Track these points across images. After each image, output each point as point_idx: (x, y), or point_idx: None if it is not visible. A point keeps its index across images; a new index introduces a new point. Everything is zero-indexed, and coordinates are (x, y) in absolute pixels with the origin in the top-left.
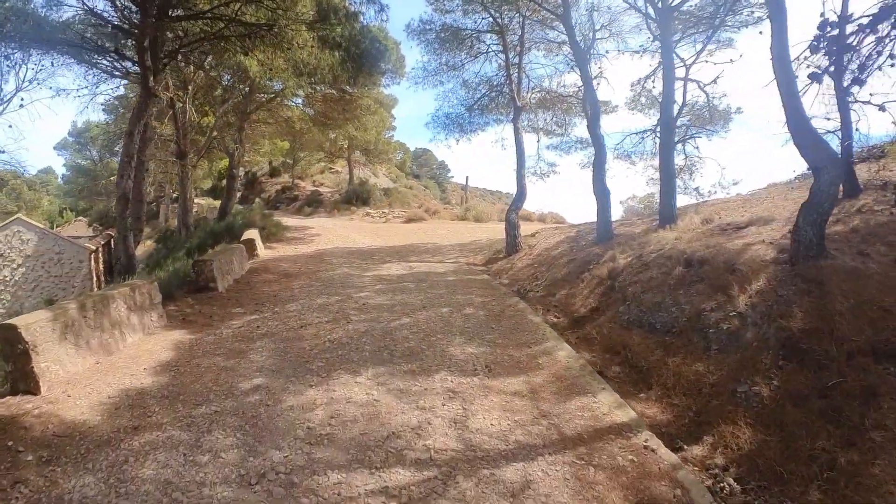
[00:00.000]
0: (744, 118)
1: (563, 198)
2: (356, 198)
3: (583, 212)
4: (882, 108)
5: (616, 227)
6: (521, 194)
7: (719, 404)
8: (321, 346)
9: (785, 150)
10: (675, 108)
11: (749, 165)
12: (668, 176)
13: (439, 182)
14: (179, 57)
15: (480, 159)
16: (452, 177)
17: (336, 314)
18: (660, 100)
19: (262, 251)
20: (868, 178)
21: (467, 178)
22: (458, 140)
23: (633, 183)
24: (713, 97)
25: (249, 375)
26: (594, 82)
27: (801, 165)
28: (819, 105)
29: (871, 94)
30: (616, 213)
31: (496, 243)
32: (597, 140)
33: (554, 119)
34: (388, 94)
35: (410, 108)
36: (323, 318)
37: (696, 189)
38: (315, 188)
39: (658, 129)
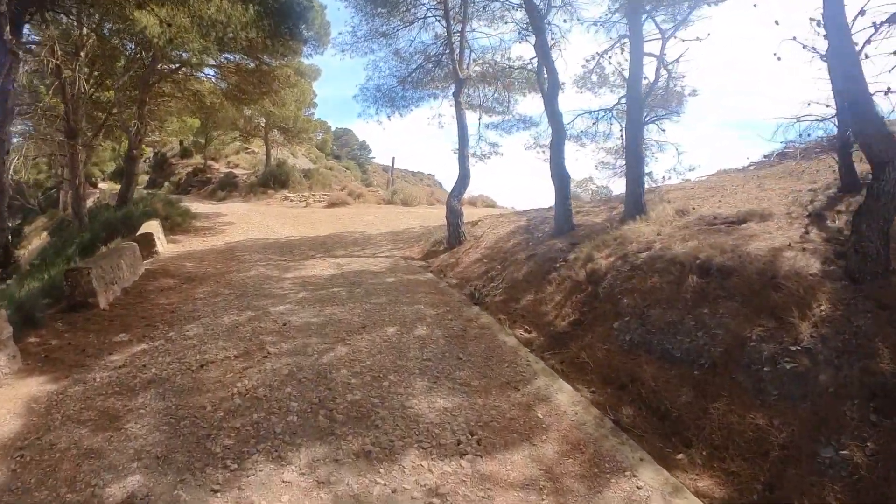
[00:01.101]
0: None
1: (494, 179)
2: (274, 180)
3: (519, 196)
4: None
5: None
6: (464, 178)
7: (798, 475)
8: (228, 406)
9: (726, 135)
10: (645, 86)
11: (699, 151)
12: (635, 160)
13: (360, 163)
14: (54, 9)
15: (408, 139)
16: (374, 157)
17: (248, 343)
18: (615, 77)
19: (164, 247)
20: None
21: (393, 158)
22: (389, 116)
23: (582, 167)
24: (675, 76)
25: (123, 469)
26: (552, 53)
27: (754, 153)
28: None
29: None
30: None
31: (433, 232)
32: (555, 118)
33: (495, 96)
34: (311, 65)
35: (333, 89)
36: (231, 350)
37: (649, 174)
38: (229, 170)
39: (616, 108)
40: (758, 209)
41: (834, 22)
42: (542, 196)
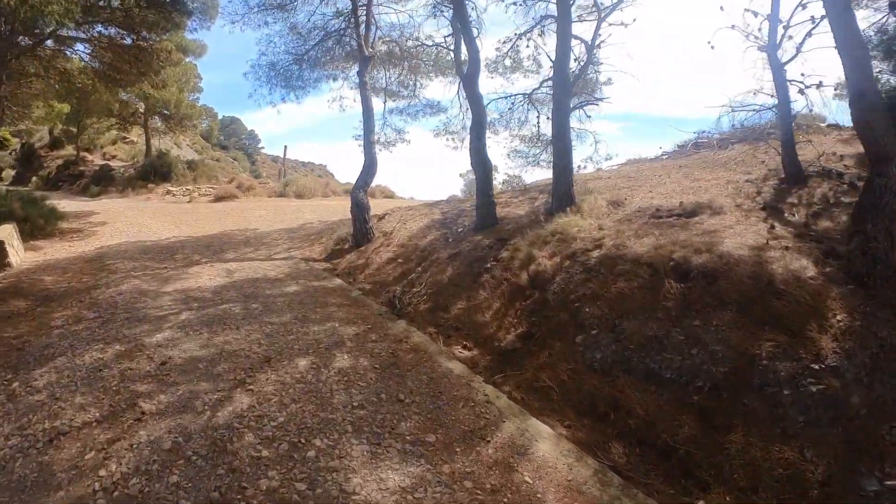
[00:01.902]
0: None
1: (390, 168)
2: (154, 173)
3: (419, 187)
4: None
5: None
6: (369, 167)
7: None
8: None
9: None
10: (574, 68)
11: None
12: (563, 148)
13: (249, 153)
14: None
15: (300, 128)
16: (263, 148)
17: (116, 397)
18: (529, 63)
19: (19, 257)
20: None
21: (285, 148)
22: (283, 98)
23: (490, 155)
24: (596, 61)
25: None
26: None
27: (667, 144)
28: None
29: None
30: (457, 188)
31: (335, 228)
32: (476, 101)
33: (399, 79)
34: (195, 40)
35: (220, 76)
36: (92, 411)
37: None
38: (105, 162)
39: (537, 94)
40: (704, 201)
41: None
42: (445, 187)
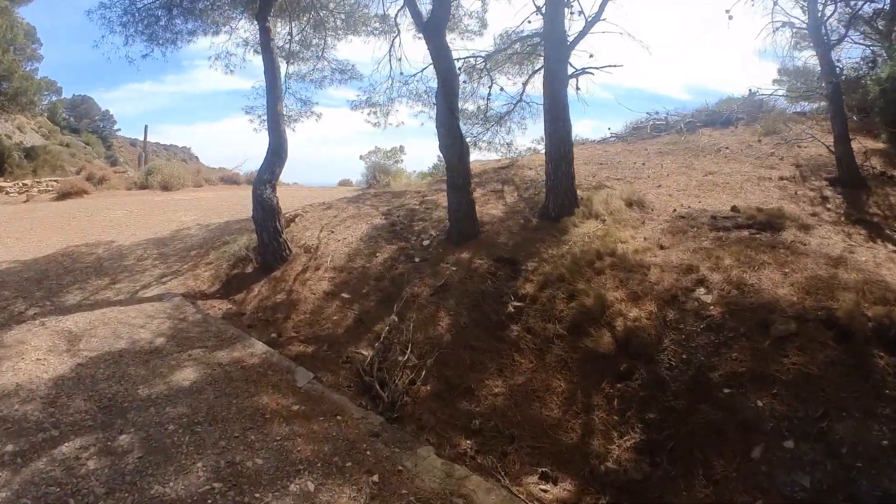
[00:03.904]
0: None
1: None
2: None
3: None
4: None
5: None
6: (277, 150)
7: None
8: None
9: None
10: (567, 23)
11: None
12: (562, 129)
13: (103, 137)
14: None
15: (167, 107)
16: (119, 130)
17: None
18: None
19: None
20: None
21: (146, 128)
22: (146, 54)
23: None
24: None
25: None
26: None
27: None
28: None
29: None
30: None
31: (223, 234)
32: (445, 59)
33: (299, 37)
34: None
35: (69, 52)
36: None
37: (509, 144)
38: None
39: (498, 56)
40: (768, 206)
41: None
42: (326, 170)
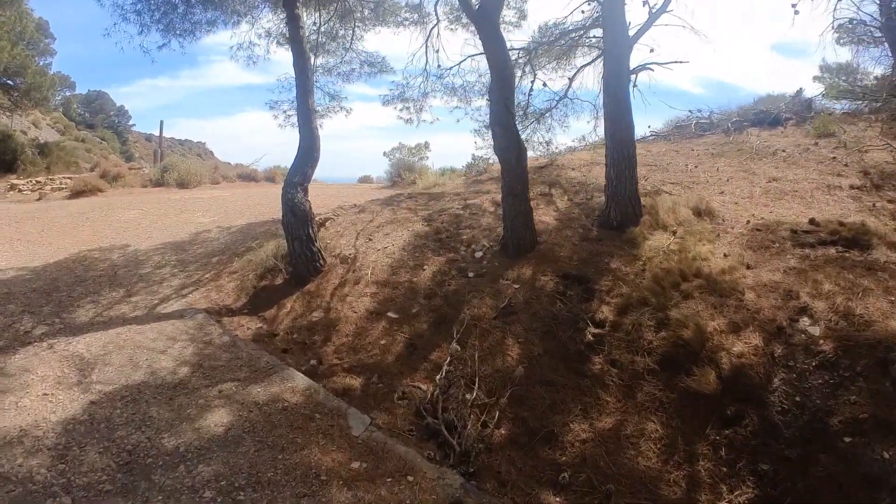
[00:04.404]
0: None
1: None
2: None
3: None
4: None
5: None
6: (310, 148)
7: None
8: None
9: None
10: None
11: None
12: (623, 130)
13: (119, 132)
14: None
15: (179, 102)
16: (134, 125)
17: None
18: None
19: None
20: None
21: (161, 123)
22: (161, 45)
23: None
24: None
25: None
26: None
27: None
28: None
29: None
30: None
31: (246, 238)
32: (498, 50)
33: (325, 27)
34: None
35: (84, 48)
36: None
37: (548, 143)
38: None
39: (541, 47)
40: (855, 222)
41: None
42: (341, 164)
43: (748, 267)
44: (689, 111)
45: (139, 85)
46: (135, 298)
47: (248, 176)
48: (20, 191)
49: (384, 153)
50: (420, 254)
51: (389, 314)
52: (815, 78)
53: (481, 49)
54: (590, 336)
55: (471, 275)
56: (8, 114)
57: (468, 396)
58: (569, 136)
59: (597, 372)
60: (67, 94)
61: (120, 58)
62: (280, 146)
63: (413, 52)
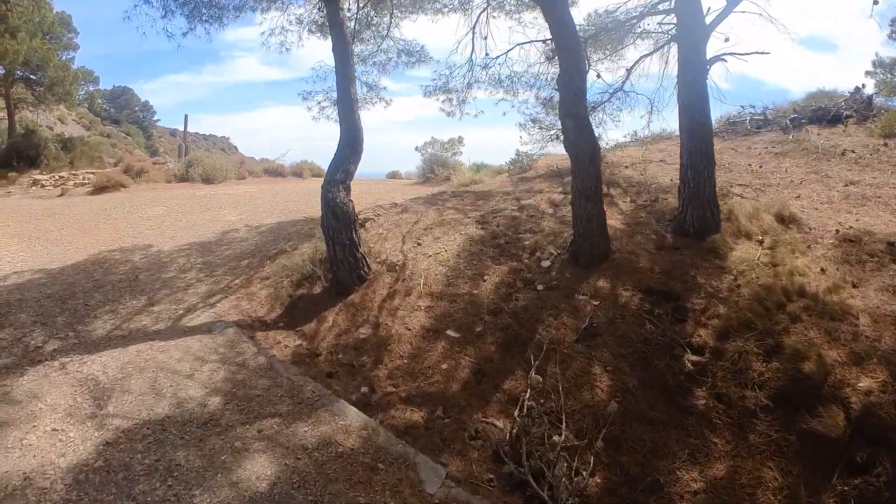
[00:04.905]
0: None
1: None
2: (18, 157)
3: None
4: None
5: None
6: (353, 141)
7: None
8: None
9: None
10: None
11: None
12: (703, 128)
13: (144, 127)
14: None
15: (201, 98)
16: (159, 120)
17: None
18: None
19: None
20: None
21: (186, 117)
22: (187, 31)
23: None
24: None
25: None
26: None
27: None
28: None
29: None
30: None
31: (278, 240)
32: (570, 36)
33: (361, 13)
34: None
35: (110, 45)
36: None
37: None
38: None
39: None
40: None
41: None
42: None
43: (854, 286)
44: (742, 107)
45: (163, 81)
46: (157, 308)
47: (274, 171)
48: (42, 186)
49: (416, 148)
50: (478, 261)
51: (449, 332)
52: (867, 73)
53: (530, 38)
54: (689, 365)
55: (540, 288)
56: (32, 108)
57: (556, 438)
58: (620, 131)
59: (702, 408)
60: (91, 89)
61: (144, 54)
62: (298, 141)
63: (458, 40)
